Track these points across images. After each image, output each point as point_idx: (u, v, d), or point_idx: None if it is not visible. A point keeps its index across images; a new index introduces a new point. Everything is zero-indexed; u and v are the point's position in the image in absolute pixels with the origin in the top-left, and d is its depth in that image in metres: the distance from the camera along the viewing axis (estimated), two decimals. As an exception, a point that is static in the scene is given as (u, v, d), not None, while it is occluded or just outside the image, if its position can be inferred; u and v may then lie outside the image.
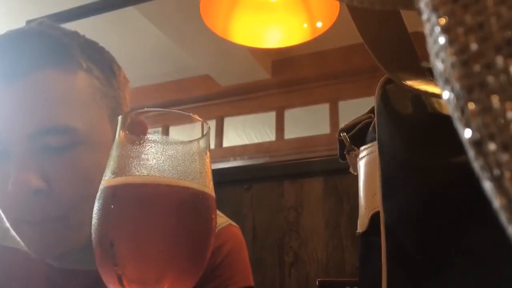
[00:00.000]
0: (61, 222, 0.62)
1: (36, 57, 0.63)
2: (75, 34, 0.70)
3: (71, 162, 0.62)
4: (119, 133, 0.40)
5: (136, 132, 0.66)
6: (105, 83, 0.69)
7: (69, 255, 0.65)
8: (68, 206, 0.62)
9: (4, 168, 0.61)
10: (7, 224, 0.65)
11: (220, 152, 3.64)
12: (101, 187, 0.39)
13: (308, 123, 3.53)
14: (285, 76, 3.56)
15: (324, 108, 3.47)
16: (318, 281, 1.33)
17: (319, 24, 1.89)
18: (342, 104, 3.42)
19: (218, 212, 0.78)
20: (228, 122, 3.81)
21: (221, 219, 0.80)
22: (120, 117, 0.41)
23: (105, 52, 0.73)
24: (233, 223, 0.81)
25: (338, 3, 1.75)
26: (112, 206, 0.37)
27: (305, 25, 1.91)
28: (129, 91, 0.76)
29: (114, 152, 0.40)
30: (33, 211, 0.61)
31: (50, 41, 0.65)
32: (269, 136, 3.66)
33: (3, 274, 0.73)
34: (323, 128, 3.40)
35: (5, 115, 0.61)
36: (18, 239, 0.67)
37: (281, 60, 3.58)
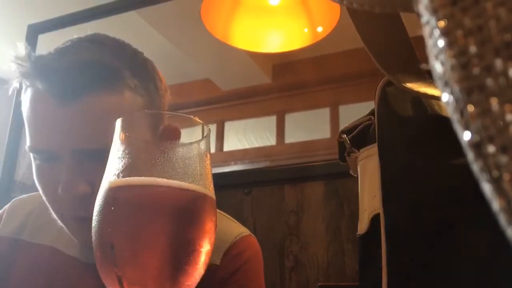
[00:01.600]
0: None
1: (88, 83, 0.69)
2: (123, 51, 0.75)
3: None
4: (119, 135, 0.41)
5: (170, 138, 0.71)
6: (147, 100, 0.75)
7: None
8: None
9: (56, 170, 0.69)
10: (54, 216, 0.73)
11: (221, 156, 3.64)
12: (101, 189, 0.39)
13: (308, 127, 3.53)
14: (286, 80, 3.56)
15: (324, 112, 3.47)
16: (319, 285, 1.32)
17: (319, 29, 1.90)
18: (342, 108, 3.42)
19: (236, 221, 0.85)
20: (228, 126, 3.81)
21: (242, 228, 0.84)
22: (119, 120, 0.41)
23: (149, 64, 0.78)
24: (252, 234, 0.85)
25: (338, 7, 1.76)
26: (112, 208, 0.37)
27: (306, 29, 1.91)
28: (168, 99, 0.82)
29: (114, 154, 0.40)
30: (78, 209, 0.69)
31: (102, 68, 0.71)
32: (270, 140, 3.66)
33: (29, 269, 0.79)
34: (324, 132, 3.40)
35: (57, 130, 0.69)
36: (47, 236, 0.78)
37: (282, 64, 3.59)
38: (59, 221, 0.74)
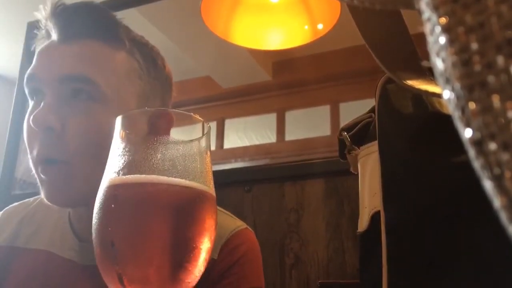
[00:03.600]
0: (65, 167, 0.70)
1: (87, 26, 0.74)
2: (127, 27, 0.81)
3: (88, 112, 0.71)
4: (119, 133, 0.40)
5: (162, 125, 0.74)
6: (143, 68, 0.78)
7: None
8: (73, 152, 0.70)
9: (38, 104, 0.71)
10: (45, 219, 0.76)
11: (221, 154, 3.64)
12: (101, 186, 0.39)
13: (308, 125, 3.53)
14: (286, 78, 3.56)
15: (324, 110, 3.47)
16: (319, 282, 1.32)
17: (320, 26, 1.89)
18: (342, 106, 3.42)
19: (232, 215, 0.85)
20: (229, 123, 3.81)
21: (238, 222, 0.83)
22: (119, 117, 0.41)
23: (152, 47, 0.83)
24: (249, 227, 0.85)
25: (339, 5, 1.75)
26: (112, 206, 0.37)
27: (306, 27, 1.91)
28: (173, 88, 0.85)
29: (114, 152, 0.40)
30: (43, 147, 0.70)
31: (103, 17, 0.77)
32: (270, 137, 3.66)
33: (26, 275, 0.78)
34: (324, 130, 3.39)
35: (47, 62, 0.73)
36: (41, 240, 0.79)
37: (282, 62, 3.58)
38: (35, 234, 0.76)
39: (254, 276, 0.80)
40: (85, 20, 0.74)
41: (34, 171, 0.73)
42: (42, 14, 0.77)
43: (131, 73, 0.76)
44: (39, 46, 0.78)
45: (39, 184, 0.73)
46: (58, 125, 0.69)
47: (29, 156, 0.73)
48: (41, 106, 0.70)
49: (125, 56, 0.76)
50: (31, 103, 0.75)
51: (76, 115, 0.70)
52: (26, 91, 0.76)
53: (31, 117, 0.69)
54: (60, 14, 0.75)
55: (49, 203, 0.73)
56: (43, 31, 0.77)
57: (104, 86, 0.72)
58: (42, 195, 0.73)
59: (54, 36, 0.75)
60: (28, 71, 0.74)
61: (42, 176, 0.71)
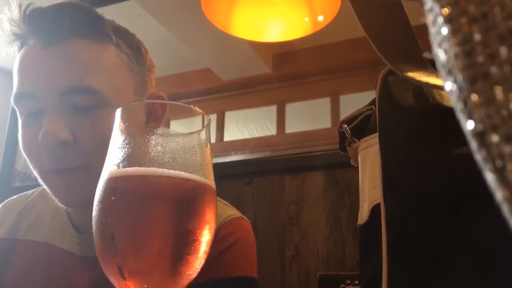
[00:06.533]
0: (83, 171, 0.70)
1: (73, 26, 0.72)
2: (109, 20, 0.80)
3: (96, 120, 0.71)
4: (119, 125, 0.40)
5: (157, 107, 0.74)
6: (132, 59, 0.78)
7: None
8: (89, 157, 0.70)
9: (39, 124, 0.70)
10: (43, 211, 0.75)
11: (221, 146, 3.64)
12: (101, 178, 0.39)
13: (309, 117, 3.53)
14: (286, 70, 3.55)
15: (325, 102, 3.46)
16: (319, 274, 1.33)
17: (320, 18, 1.89)
18: (343, 98, 3.41)
19: (229, 204, 0.84)
20: (229, 116, 3.80)
21: (233, 211, 0.83)
22: (119, 110, 0.41)
23: (135, 37, 0.83)
24: (244, 217, 0.84)
25: (339, -4, 1.74)
26: (112, 198, 0.37)
27: (306, 18, 1.91)
28: (155, 76, 0.85)
29: (114, 144, 0.40)
30: (58, 160, 0.69)
31: (87, 15, 0.75)
32: (270, 130, 3.66)
33: (26, 267, 0.79)
34: (324, 122, 3.39)
35: (41, 74, 0.71)
36: (40, 232, 0.79)
37: (282, 54, 3.57)
38: (33, 226, 0.76)
39: (244, 265, 0.79)
40: (68, 21, 0.72)
41: (41, 179, 0.73)
42: (8, 16, 0.75)
43: (123, 67, 0.76)
44: (15, 50, 0.76)
45: (48, 189, 0.73)
46: (70, 137, 0.69)
47: (32, 166, 0.73)
48: (45, 121, 0.69)
49: (114, 51, 0.76)
50: (23, 118, 0.73)
51: (84, 125, 0.71)
52: (19, 109, 0.74)
53: (41, 136, 0.68)
54: (39, 17, 0.73)
55: (64, 206, 0.73)
56: (13, 36, 0.75)
57: (105, 91, 0.71)
58: (56, 199, 0.73)
59: (34, 40, 0.73)
60: (20, 89, 0.72)
61: (55, 181, 0.71)
